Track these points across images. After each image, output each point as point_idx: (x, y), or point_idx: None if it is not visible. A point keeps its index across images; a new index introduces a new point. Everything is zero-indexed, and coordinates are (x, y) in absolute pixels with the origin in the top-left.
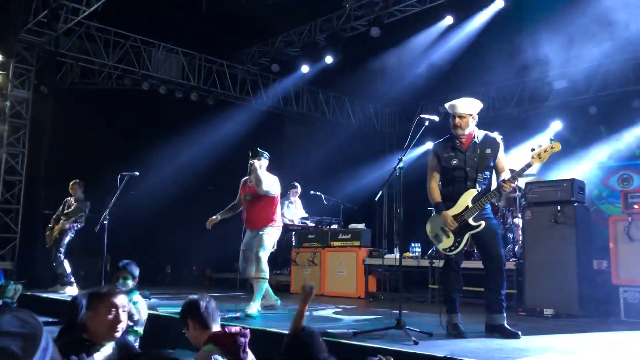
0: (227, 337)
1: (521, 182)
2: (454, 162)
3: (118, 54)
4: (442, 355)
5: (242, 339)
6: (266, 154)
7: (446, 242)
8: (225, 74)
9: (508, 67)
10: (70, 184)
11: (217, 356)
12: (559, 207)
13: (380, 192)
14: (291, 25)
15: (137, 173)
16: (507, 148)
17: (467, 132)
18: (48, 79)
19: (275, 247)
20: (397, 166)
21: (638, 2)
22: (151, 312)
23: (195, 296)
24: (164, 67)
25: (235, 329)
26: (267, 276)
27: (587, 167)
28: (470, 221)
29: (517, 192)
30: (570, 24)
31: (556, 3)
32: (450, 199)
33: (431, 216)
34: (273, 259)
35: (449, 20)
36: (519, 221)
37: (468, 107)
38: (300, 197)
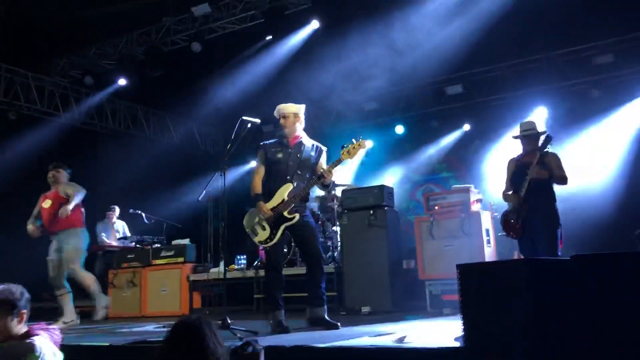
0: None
1: (339, 193)
2: (279, 155)
3: None
4: (266, 345)
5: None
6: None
7: (262, 235)
8: (31, 86)
9: (323, 87)
10: None
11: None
12: (371, 212)
13: (203, 192)
14: (106, 37)
15: None
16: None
17: (293, 131)
18: None
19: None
20: (220, 170)
21: (438, 32)
22: None
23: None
24: None
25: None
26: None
27: (395, 180)
28: (285, 214)
29: (335, 202)
30: (377, 50)
31: (364, 30)
32: (269, 195)
33: (249, 210)
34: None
35: (269, 38)
36: (337, 228)
37: (291, 108)
38: (120, 218)
